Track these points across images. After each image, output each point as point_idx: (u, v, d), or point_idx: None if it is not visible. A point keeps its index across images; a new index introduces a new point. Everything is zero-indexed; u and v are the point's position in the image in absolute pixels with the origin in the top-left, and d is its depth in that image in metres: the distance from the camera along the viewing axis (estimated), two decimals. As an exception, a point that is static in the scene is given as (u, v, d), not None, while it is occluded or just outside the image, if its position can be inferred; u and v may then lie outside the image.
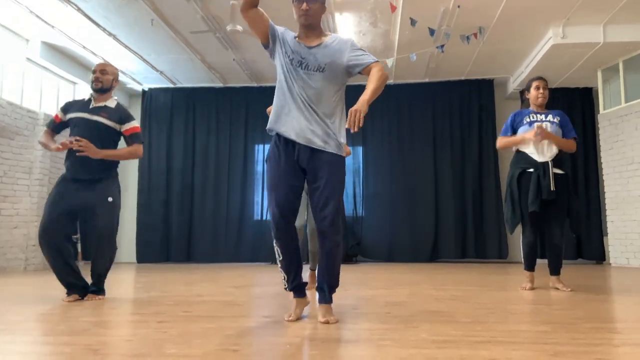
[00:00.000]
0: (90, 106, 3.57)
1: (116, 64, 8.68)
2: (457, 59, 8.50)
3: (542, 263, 4.34)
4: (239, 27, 6.54)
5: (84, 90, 9.32)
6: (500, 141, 4.28)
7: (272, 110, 2.56)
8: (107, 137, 3.55)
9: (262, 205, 9.78)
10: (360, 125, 2.27)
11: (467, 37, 7.17)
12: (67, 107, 3.65)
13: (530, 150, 4.04)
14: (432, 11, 6.80)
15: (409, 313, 2.79)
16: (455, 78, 9.52)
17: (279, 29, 2.62)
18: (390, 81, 9.49)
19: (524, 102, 4.30)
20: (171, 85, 9.94)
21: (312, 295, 2.88)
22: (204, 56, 8.55)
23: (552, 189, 3.86)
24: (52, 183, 7.94)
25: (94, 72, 3.61)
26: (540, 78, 4.20)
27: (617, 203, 8.01)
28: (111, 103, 3.63)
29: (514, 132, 4.20)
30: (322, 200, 2.40)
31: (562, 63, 8.06)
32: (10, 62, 7.50)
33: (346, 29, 7.41)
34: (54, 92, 8.69)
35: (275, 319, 2.60)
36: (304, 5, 2.49)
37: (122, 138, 3.67)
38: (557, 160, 3.97)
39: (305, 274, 3.21)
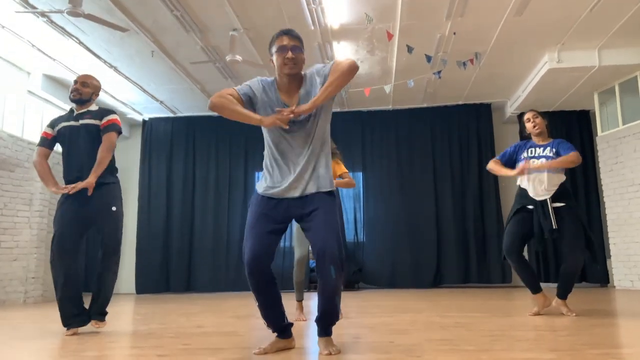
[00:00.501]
0: (74, 114, 3.61)
1: (117, 94, 8.78)
2: (455, 84, 8.59)
3: (547, 287, 4.29)
4: (239, 57, 6.62)
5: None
6: (491, 164, 4.29)
7: None
8: (98, 139, 3.53)
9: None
10: (284, 125, 2.26)
11: (464, 63, 7.26)
12: (54, 122, 3.67)
13: (531, 189, 4.02)
14: (428, 38, 6.89)
15: (412, 342, 2.75)
16: (453, 103, 9.59)
17: (253, 91, 2.51)
18: (389, 106, 9.57)
19: (527, 135, 4.28)
20: (171, 115, 10.01)
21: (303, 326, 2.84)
22: (204, 85, 8.63)
23: (554, 227, 3.83)
24: (52, 215, 7.93)
25: (75, 82, 3.64)
26: (529, 110, 4.24)
27: (619, 225, 7.98)
28: (92, 107, 3.66)
29: (513, 162, 4.18)
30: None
31: (559, 87, 8.14)
32: (12, 94, 7.58)
33: (344, 56, 7.50)
34: (54, 123, 8.74)
35: (277, 352, 2.56)
36: (289, 54, 2.39)
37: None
38: (556, 195, 3.93)
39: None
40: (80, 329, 3.40)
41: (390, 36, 6.38)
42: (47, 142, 3.65)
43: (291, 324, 2.56)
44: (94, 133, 3.54)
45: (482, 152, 9.53)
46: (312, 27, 6.53)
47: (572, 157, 3.89)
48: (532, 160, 4.03)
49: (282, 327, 2.52)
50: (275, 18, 6.34)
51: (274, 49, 2.47)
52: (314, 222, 2.36)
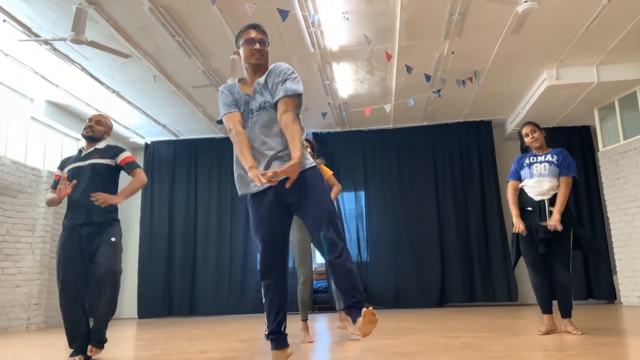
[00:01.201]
0: (82, 154, 3.63)
1: (119, 119, 8.84)
2: (455, 102, 8.64)
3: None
4: (239, 80, 6.67)
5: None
6: (509, 192, 4.28)
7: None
8: (106, 177, 3.55)
9: (266, 255, 9.69)
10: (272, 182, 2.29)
11: (463, 81, 7.31)
12: (63, 163, 3.70)
13: (531, 191, 4.06)
14: (427, 58, 6.96)
15: (418, 364, 2.71)
16: (454, 120, 9.63)
17: (228, 97, 2.61)
18: (390, 125, 9.62)
19: (526, 148, 4.31)
20: (173, 138, 10.07)
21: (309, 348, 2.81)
22: (206, 108, 8.70)
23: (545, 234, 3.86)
24: (55, 240, 7.93)
25: (89, 119, 3.66)
26: (526, 124, 4.27)
27: (624, 240, 7.93)
28: (100, 145, 3.67)
29: (519, 175, 4.22)
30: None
31: (558, 103, 8.17)
32: (15, 121, 7.64)
33: (344, 77, 7.57)
34: (57, 149, 8.80)
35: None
36: (257, 45, 2.55)
37: (120, 172, 3.68)
38: (553, 199, 3.95)
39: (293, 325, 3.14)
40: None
41: (389, 57, 6.44)
42: (56, 183, 3.66)
43: (286, 334, 2.56)
44: (101, 172, 3.53)
45: (484, 169, 9.54)
46: (312, 50, 6.60)
47: (566, 186, 3.95)
48: (534, 165, 4.05)
49: (279, 333, 2.53)
50: (276, 41, 6.42)
51: (241, 42, 2.62)
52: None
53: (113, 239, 3.44)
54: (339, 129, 9.89)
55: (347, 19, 5.85)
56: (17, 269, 7.28)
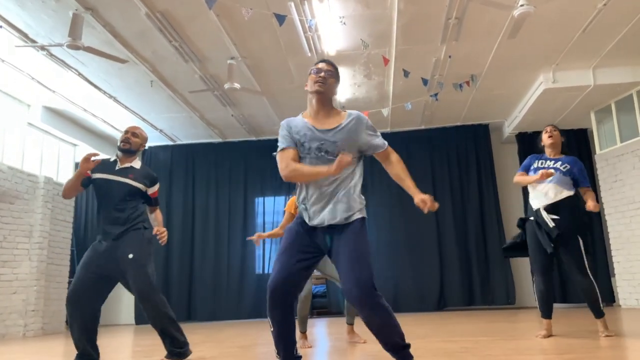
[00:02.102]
0: (117, 167, 3.53)
1: (116, 124, 8.83)
2: (452, 106, 8.65)
3: (558, 309, 4.24)
4: (237, 85, 6.68)
5: (84, 152, 9.42)
6: (515, 177, 4.32)
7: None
8: (131, 198, 3.49)
9: (263, 259, 9.70)
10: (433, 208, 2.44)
11: (460, 85, 7.32)
12: (96, 168, 3.57)
13: (531, 197, 4.11)
14: (424, 62, 6.97)
15: (417, 369, 2.70)
16: (451, 124, 9.65)
17: (287, 130, 2.52)
18: (387, 129, 9.63)
19: (541, 149, 4.34)
20: (171, 143, 10.06)
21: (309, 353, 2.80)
22: (203, 113, 8.70)
23: (551, 225, 3.87)
24: (52, 246, 7.91)
25: (125, 132, 3.62)
26: (548, 125, 4.35)
27: (622, 243, 7.93)
28: (136, 164, 3.61)
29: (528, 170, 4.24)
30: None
31: (555, 106, 8.19)
32: (12, 127, 7.63)
33: (341, 82, 7.55)
34: (54, 155, 8.78)
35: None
36: (322, 74, 2.49)
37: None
38: (552, 207, 3.95)
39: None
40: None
41: (386, 61, 6.44)
42: (83, 180, 3.60)
43: (300, 357, 2.50)
44: (130, 193, 3.48)
45: (482, 172, 9.55)
46: (309, 54, 6.60)
47: (591, 196, 4.01)
48: (541, 171, 4.03)
49: (293, 357, 2.45)
50: (273, 46, 6.43)
51: (309, 73, 2.56)
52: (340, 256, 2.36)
53: (130, 256, 3.31)
54: (336, 133, 9.89)
55: (344, 23, 5.87)
56: (14, 276, 7.25)
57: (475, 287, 9.06)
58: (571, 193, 4.02)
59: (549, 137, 4.20)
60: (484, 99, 8.39)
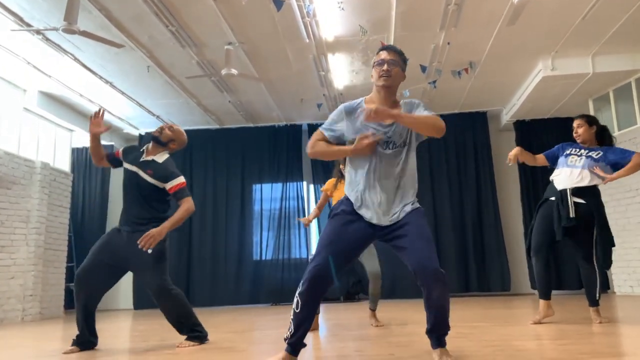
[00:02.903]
0: (141, 159, 3.48)
1: (113, 110, 8.79)
2: (450, 93, 8.63)
3: (553, 295, 4.26)
4: (234, 71, 6.64)
5: (81, 138, 9.40)
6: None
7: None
8: (151, 195, 3.42)
9: (260, 246, 9.72)
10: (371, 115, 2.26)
11: (459, 72, 7.30)
12: (126, 153, 3.58)
13: (557, 180, 4.04)
14: (423, 49, 6.93)
15: (412, 354, 2.73)
16: (449, 111, 9.62)
17: (340, 116, 2.56)
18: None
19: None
20: (168, 129, 10.01)
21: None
22: (200, 99, 8.66)
23: (571, 215, 3.82)
24: (49, 232, 7.91)
25: (164, 123, 3.57)
26: (576, 117, 4.17)
27: (618, 231, 7.96)
28: (160, 158, 3.50)
29: (555, 159, 4.17)
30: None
31: (554, 94, 8.18)
32: (8, 112, 7.58)
33: (339, 68, 7.54)
34: (50, 140, 8.75)
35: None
36: (385, 66, 2.49)
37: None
38: (578, 190, 3.89)
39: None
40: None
41: (384, 47, 6.40)
42: (111, 156, 3.63)
43: (305, 345, 2.49)
44: (149, 190, 3.41)
45: (479, 160, 9.56)
46: (307, 40, 6.56)
47: (637, 158, 3.81)
48: (571, 156, 4.01)
49: (300, 344, 2.44)
50: (270, 32, 6.39)
51: (372, 63, 2.58)
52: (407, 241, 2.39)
53: (144, 253, 3.26)
54: (334, 120, 9.87)
55: (343, 9, 5.82)
56: (11, 261, 7.26)
57: (472, 273, 9.11)
58: (599, 181, 3.92)
59: (576, 136, 4.10)
60: (483, 86, 8.37)
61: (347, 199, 2.50)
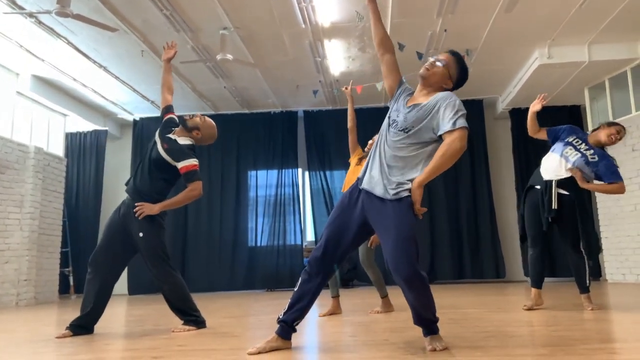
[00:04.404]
0: (166, 133, 3.49)
1: (107, 95, 8.73)
2: (446, 81, 8.59)
3: (545, 282, 4.30)
4: (229, 56, 6.59)
5: (74, 122, 9.34)
6: (531, 122, 4.35)
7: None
8: (157, 172, 3.41)
9: (255, 232, 9.74)
10: (420, 212, 2.30)
11: (455, 60, 7.26)
12: (165, 123, 3.60)
13: (545, 166, 4.08)
14: (420, 35, 6.90)
15: (406, 339, 2.75)
16: (445, 99, 9.60)
17: (402, 89, 2.66)
18: (382, 103, 9.58)
19: (595, 130, 4.17)
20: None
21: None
22: (195, 85, 8.60)
23: (554, 207, 3.88)
24: (43, 217, 7.89)
25: (201, 115, 3.60)
26: (621, 125, 4.08)
27: (610, 219, 8.04)
28: (182, 140, 3.45)
29: (554, 138, 4.17)
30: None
31: (550, 82, 8.17)
32: (0, 96, 7.51)
33: (335, 55, 7.50)
34: (44, 124, 8.68)
35: (272, 352, 2.55)
36: (430, 60, 2.57)
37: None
38: (564, 181, 3.95)
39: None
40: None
41: (381, 34, 6.37)
42: (166, 110, 3.69)
43: (295, 330, 2.53)
44: (159, 162, 3.39)
45: (475, 148, 9.57)
46: (303, 26, 6.52)
47: (612, 188, 3.92)
48: (569, 147, 4.00)
49: (290, 326, 2.49)
50: (266, 16, 6.33)
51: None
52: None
53: (140, 234, 3.32)
54: (330, 107, 9.85)
55: (339, -6, 5.77)
56: (5, 245, 7.25)
57: (466, 260, 9.18)
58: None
59: (610, 139, 4.00)
60: (479, 74, 8.34)
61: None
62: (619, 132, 4.03)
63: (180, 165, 3.35)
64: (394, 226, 2.28)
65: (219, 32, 6.55)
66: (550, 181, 3.98)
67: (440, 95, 2.46)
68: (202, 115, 3.63)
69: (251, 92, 9.05)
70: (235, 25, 6.52)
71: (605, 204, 8.16)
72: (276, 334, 2.50)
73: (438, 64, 2.52)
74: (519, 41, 7.20)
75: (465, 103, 10.56)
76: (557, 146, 4.10)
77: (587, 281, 3.96)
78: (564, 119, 9.46)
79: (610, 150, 8.03)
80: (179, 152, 3.37)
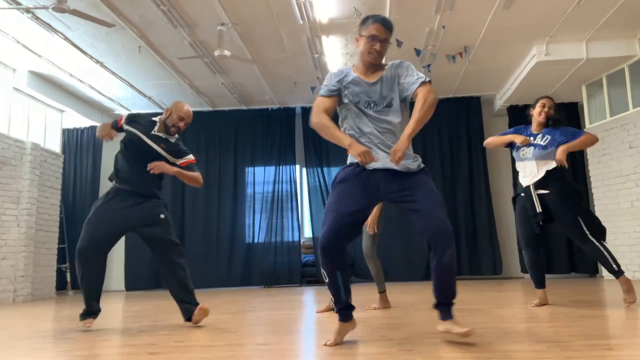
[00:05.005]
0: (152, 132, 3.60)
1: (104, 90, 8.70)
2: (444, 78, 8.60)
3: (549, 279, 4.31)
4: (227, 52, 6.58)
5: (71, 118, 9.31)
6: (490, 139, 4.45)
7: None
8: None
9: (253, 228, 9.73)
10: (397, 160, 2.39)
11: (453, 57, 7.28)
12: (132, 120, 3.64)
13: (520, 175, 4.15)
14: (418, 32, 6.89)
15: (403, 335, 2.76)
16: (443, 96, 9.60)
17: (335, 79, 2.61)
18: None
19: (528, 117, 4.26)
20: (159, 111, 9.92)
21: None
22: (192, 81, 8.58)
23: (538, 210, 3.90)
24: (40, 213, 7.87)
25: (181, 119, 3.63)
26: (547, 97, 4.18)
27: (607, 216, 8.05)
28: (171, 138, 3.67)
29: (512, 146, 4.25)
30: None
31: (547, 79, 8.18)
32: (-3, 92, 7.48)
33: (333, 51, 7.49)
34: (41, 120, 8.66)
35: (270, 347, 2.56)
36: (378, 46, 2.50)
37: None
38: (540, 182, 3.96)
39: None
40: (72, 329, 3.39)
41: (379, 30, 6.36)
42: (114, 125, 3.65)
43: (353, 307, 2.59)
44: (158, 159, 3.54)
45: (472, 145, 9.57)
46: (301, 22, 6.50)
47: (584, 139, 3.94)
48: (521, 149, 4.09)
49: (346, 307, 2.55)
50: (264, 12, 6.31)
51: (363, 32, 2.57)
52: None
53: (162, 216, 3.55)
54: (327, 103, 9.82)
55: (337, -10, 5.76)
56: (2, 242, 7.23)
57: (463, 257, 9.19)
58: (552, 164, 3.93)
59: (541, 114, 4.08)
60: (477, 71, 8.35)
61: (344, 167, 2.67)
62: (544, 104, 4.11)
63: (180, 161, 3.63)
64: (431, 192, 2.67)
65: (216, 28, 6.52)
66: (529, 186, 4.01)
67: (390, 64, 2.59)
68: (186, 121, 3.76)
69: (249, 89, 9.03)
70: (233, 21, 6.50)
71: (602, 201, 8.18)
72: (339, 322, 2.55)
73: (385, 44, 2.56)
74: (516, 38, 7.20)
75: (463, 100, 10.64)
76: (515, 156, 4.21)
77: (614, 265, 3.73)
78: (562, 116, 9.46)
79: (609, 149, 8.08)
80: (178, 151, 3.66)
